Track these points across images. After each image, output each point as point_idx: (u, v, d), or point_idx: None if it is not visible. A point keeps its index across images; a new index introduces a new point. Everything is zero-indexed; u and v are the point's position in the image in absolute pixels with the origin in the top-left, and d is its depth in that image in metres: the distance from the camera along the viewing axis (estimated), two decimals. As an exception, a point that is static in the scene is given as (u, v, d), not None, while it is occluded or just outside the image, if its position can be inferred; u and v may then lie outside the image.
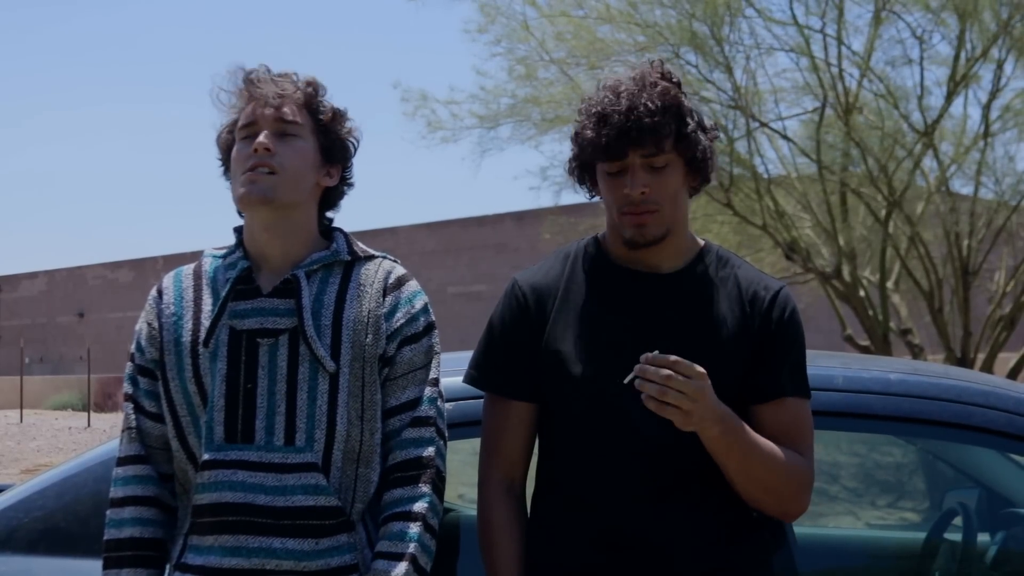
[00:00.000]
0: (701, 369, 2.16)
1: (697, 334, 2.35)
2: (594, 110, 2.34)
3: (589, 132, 2.34)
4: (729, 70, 13.37)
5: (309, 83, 2.40)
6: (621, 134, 2.29)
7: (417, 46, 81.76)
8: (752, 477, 2.30)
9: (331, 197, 2.47)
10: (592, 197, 2.49)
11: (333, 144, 2.41)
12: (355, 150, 2.47)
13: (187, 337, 2.35)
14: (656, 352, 2.15)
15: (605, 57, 13.69)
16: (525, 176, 38.38)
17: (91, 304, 46.37)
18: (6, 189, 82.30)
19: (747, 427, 2.27)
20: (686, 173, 2.39)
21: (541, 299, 2.42)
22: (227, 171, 2.43)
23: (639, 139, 2.29)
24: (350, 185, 2.50)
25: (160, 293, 2.44)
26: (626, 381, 2.17)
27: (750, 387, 2.35)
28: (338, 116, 2.43)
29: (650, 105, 2.30)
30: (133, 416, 2.40)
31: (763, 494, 2.33)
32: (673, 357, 2.14)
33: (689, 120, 2.36)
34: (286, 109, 2.35)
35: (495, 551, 2.38)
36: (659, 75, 2.36)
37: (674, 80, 2.38)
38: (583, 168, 2.43)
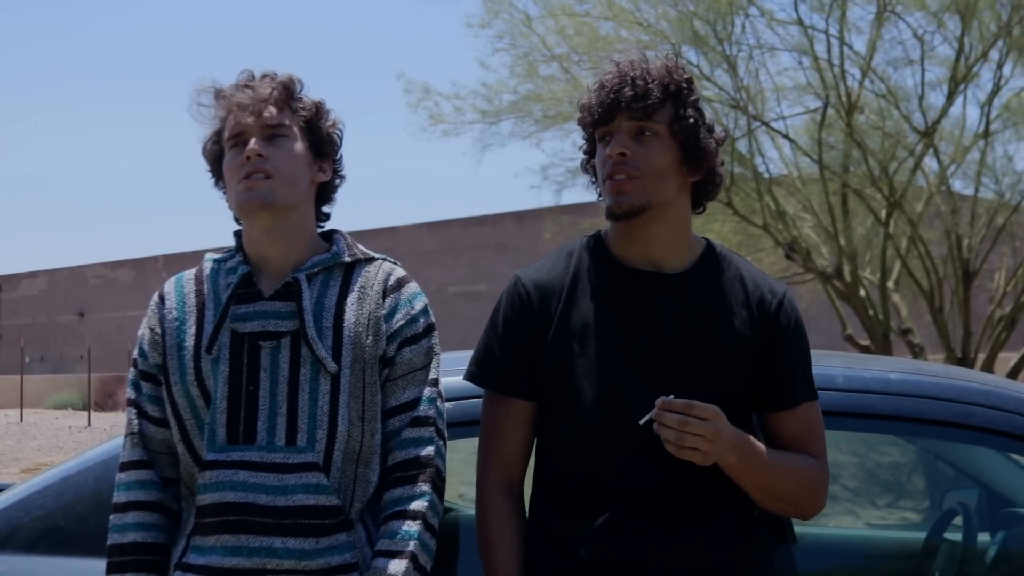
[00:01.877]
0: (716, 409, 2.17)
1: (704, 337, 2.34)
2: (596, 81, 2.39)
3: (585, 99, 2.39)
4: (731, 69, 13.38)
5: (285, 82, 2.40)
6: (611, 95, 2.33)
7: (420, 42, 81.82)
8: (771, 492, 2.33)
9: (326, 192, 2.48)
10: (600, 196, 2.48)
11: (321, 140, 2.43)
12: (341, 141, 2.49)
13: (190, 342, 2.36)
14: (672, 397, 2.17)
15: (606, 55, 13.68)
16: (525, 174, 38.41)
17: (91, 303, 46.39)
18: (6, 189, 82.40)
19: (761, 446, 2.29)
20: (680, 160, 2.37)
21: (545, 297, 2.41)
22: (217, 181, 2.44)
23: (630, 101, 2.31)
24: (342, 177, 2.51)
25: (162, 299, 2.44)
26: (642, 423, 2.19)
27: (762, 397, 2.36)
28: (320, 110, 2.44)
29: (644, 74, 2.33)
30: (136, 421, 2.41)
31: (782, 503, 2.37)
32: (688, 402, 2.15)
33: (691, 110, 2.36)
34: (268, 112, 2.35)
35: (493, 550, 2.38)
36: (669, 62, 2.39)
37: (685, 75, 2.39)
38: (590, 153, 2.44)
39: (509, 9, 14.34)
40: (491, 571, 2.37)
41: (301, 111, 2.40)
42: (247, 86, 2.38)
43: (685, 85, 2.38)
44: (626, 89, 2.32)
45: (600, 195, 2.46)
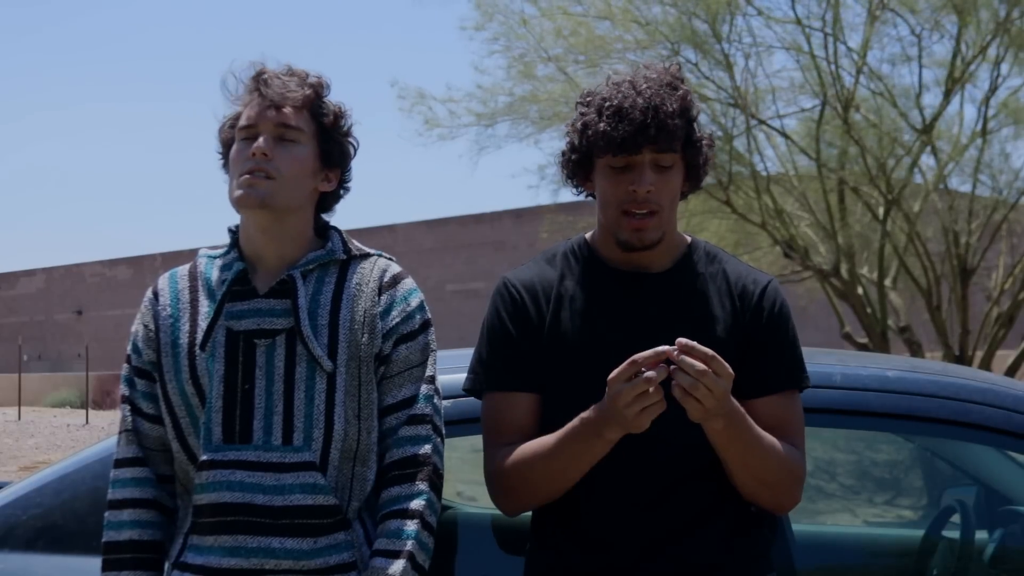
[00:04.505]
0: (731, 370, 2.16)
1: (690, 331, 2.34)
2: (610, 103, 2.32)
3: (603, 125, 2.31)
4: (728, 68, 13.38)
5: (314, 84, 2.38)
6: (640, 130, 2.28)
7: (414, 43, 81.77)
8: (751, 470, 2.31)
9: (327, 201, 2.46)
10: (580, 193, 2.48)
11: (332, 148, 2.40)
12: (355, 153, 2.46)
13: (184, 339, 2.35)
14: (695, 343, 2.15)
15: (604, 55, 13.70)
16: (523, 174, 38.46)
17: (89, 301, 46.37)
18: (4, 187, 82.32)
19: (750, 420, 2.28)
20: (685, 178, 2.40)
21: (535, 298, 2.42)
22: (226, 164, 2.42)
23: (656, 137, 2.29)
24: (347, 189, 2.48)
25: (156, 295, 2.43)
26: (658, 350, 2.15)
27: (744, 381, 2.34)
28: (340, 118, 2.41)
29: (669, 106, 2.30)
30: (130, 418, 2.40)
31: (760, 487, 2.34)
32: (710, 352, 2.14)
33: (696, 127, 2.37)
34: (287, 111, 2.33)
35: (528, 457, 2.32)
36: (675, 78, 2.36)
37: (689, 89, 2.39)
38: (580, 163, 2.42)
39: (504, 11, 14.33)
40: (546, 461, 2.31)
41: (322, 117, 2.38)
42: (280, 78, 2.35)
43: (691, 103, 2.37)
44: (654, 125, 2.28)
45: (580, 191, 2.46)
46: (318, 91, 2.38)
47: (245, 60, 2.40)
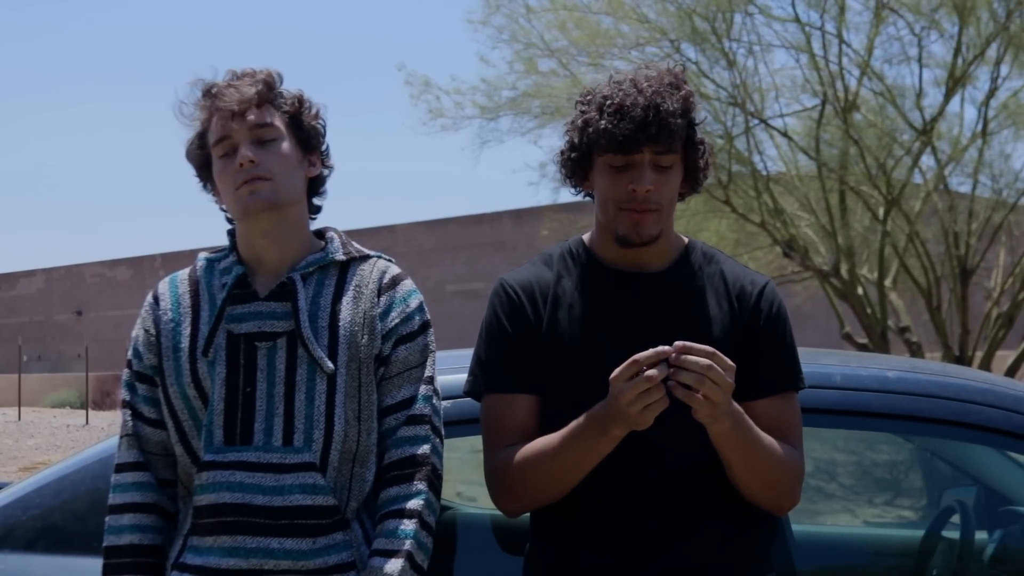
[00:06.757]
0: (732, 363, 2.17)
1: (688, 330, 2.34)
2: (611, 101, 2.31)
3: (604, 123, 2.31)
4: (730, 66, 13.39)
5: (264, 78, 2.38)
6: (640, 128, 2.28)
7: (419, 38, 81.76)
8: (754, 471, 2.31)
9: (316, 185, 2.46)
10: (578, 192, 2.48)
11: (306, 134, 2.41)
12: (325, 131, 2.47)
13: (186, 343, 2.35)
14: (694, 343, 2.14)
15: (606, 50, 13.72)
16: (524, 170, 38.38)
17: (89, 302, 46.38)
18: (4, 187, 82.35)
19: (750, 421, 2.28)
20: (683, 178, 2.40)
21: (533, 298, 2.42)
22: (204, 185, 2.43)
23: (657, 136, 2.29)
24: (331, 168, 2.49)
25: (156, 300, 2.43)
26: (656, 349, 2.16)
27: (742, 383, 2.35)
28: (302, 103, 2.41)
29: (671, 105, 2.30)
30: (131, 423, 2.40)
31: (762, 487, 2.35)
32: (710, 348, 2.14)
33: (697, 129, 2.38)
34: (252, 117, 2.33)
35: (531, 457, 2.32)
36: (677, 78, 2.36)
37: (692, 91, 2.38)
38: (579, 161, 2.42)
39: (509, 4, 14.35)
40: (550, 460, 2.31)
41: (284, 107, 2.38)
42: (229, 86, 2.36)
43: (693, 104, 2.37)
44: (655, 124, 2.28)
45: (577, 191, 2.46)
46: (270, 83, 2.38)
47: (186, 81, 2.40)
